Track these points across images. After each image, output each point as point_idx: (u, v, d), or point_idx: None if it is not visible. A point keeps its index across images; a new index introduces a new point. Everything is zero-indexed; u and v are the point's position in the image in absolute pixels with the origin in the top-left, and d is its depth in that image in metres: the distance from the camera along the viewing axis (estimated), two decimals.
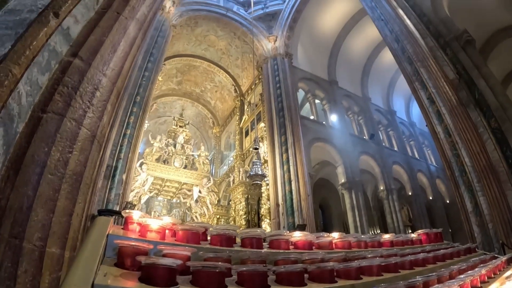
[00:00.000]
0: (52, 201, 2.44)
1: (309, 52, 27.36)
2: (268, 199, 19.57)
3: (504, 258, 4.62)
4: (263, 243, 3.32)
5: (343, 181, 23.34)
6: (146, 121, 18.03)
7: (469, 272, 3.36)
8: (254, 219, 21.98)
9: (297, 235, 3.63)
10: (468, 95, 11.23)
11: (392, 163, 27.69)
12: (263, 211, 20.45)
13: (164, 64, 24.23)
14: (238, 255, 2.63)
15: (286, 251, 3.29)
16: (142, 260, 1.86)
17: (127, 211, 2.87)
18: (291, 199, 17.61)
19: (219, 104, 34.37)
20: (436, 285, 2.66)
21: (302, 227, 15.51)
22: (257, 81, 26.15)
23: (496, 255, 5.55)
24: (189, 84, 32.84)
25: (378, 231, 27.56)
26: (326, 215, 32.52)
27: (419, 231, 5.64)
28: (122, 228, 2.77)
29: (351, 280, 2.69)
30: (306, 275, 2.55)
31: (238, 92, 30.55)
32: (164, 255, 2.15)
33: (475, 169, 10.61)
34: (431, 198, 29.72)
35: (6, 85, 2.24)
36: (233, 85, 30.86)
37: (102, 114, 3.23)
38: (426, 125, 13.15)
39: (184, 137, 25.48)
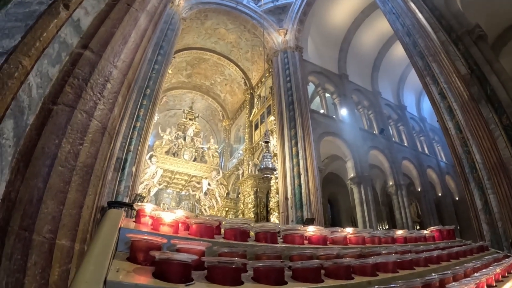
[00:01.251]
0: (62, 193, 2.43)
1: (319, 45, 27.26)
2: (277, 193, 19.60)
3: None
4: (277, 238, 3.29)
5: (352, 175, 23.32)
6: (156, 114, 18.16)
7: (484, 270, 3.33)
8: (262, 212, 22.06)
9: (311, 230, 3.59)
10: (479, 90, 11.11)
11: (402, 158, 27.59)
12: (271, 204, 20.50)
13: (174, 57, 24.24)
14: (253, 250, 2.59)
15: (301, 246, 3.26)
16: (156, 255, 1.83)
17: (139, 203, 2.85)
18: (300, 193, 17.62)
19: (229, 97, 34.45)
20: (452, 283, 2.62)
21: (310, 221, 15.52)
22: (267, 74, 26.10)
23: (508, 254, 5.50)
24: (199, 77, 32.91)
25: (387, 227, 27.58)
26: (334, 209, 32.55)
27: (432, 227, 5.61)
28: (133, 221, 2.74)
29: (367, 276, 2.65)
30: (322, 271, 2.51)
31: (248, 85, 30.63)
32: (178, 250, 2.12)
33: (485, 166, 10.52)
34: (440, 194, 29.60)
35: (17, 77, 2.23)
36: (243, 78, 30.91)
37: (113, 106, 3.22)
38: (437, 121, 13.06)
39: (193, 130, 25.51)
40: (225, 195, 25.41)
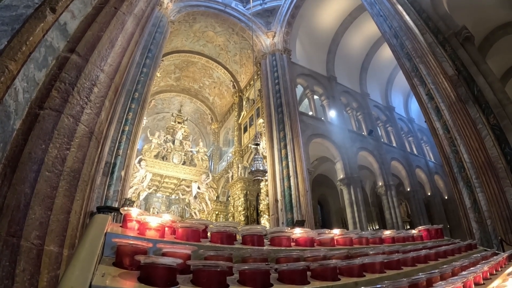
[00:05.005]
0: (49, 198, 2.41)
1: (307, 48, 27.34)
2: (267, 195, 19.58)
3: (505, 255, 4.59)
4: (264, 240, 3.28)
5: (341, 177, 23.35)
6: (145, 118, 18.05)
7: (472, 268, 3.34)
8: (253, 215, 21.97)
9: (298, 232, 3.59)
10: (467, 91, 11.23)
11: (391, 159, 27.70)
12: (262, 207, 20.48)
13: (162, 60, 24.17)
14: (239, 253, 2.58)
15: (288, 248, 3.24)
16: (141, 259, 1.82)
17: (125, 208, 2.83)
18: (290, 195, 17.64)
19: (218, 100, 34.40)
20: (439, 282, 2.63)
21: (301, 223, 15.52)
22: (255, 77, 26.08)
23: (496, 252, 5.54)
24: (188, 80, 32.85)
25: (377, 227, 27.70)
26: (324, 211, 32.64)
27: (420, 227, 5.63)
28: (120, 226, 2.73)
29: (354, 277, 2.65)
30: (308, 273, 2.51)
31: (237, 88, 30.62)
32: (164, 254, 2.11)
33: (473, 165, 10.64)
34: (429, 194, 29.76)
35: (2, 82, 2.21)
36: (231, 81, 30.90)
37: (100, 110, 3.20)
38: (425, 121, 13.15)
39: (182, 133, 25.46)
40: (215, 198, 25.33)
